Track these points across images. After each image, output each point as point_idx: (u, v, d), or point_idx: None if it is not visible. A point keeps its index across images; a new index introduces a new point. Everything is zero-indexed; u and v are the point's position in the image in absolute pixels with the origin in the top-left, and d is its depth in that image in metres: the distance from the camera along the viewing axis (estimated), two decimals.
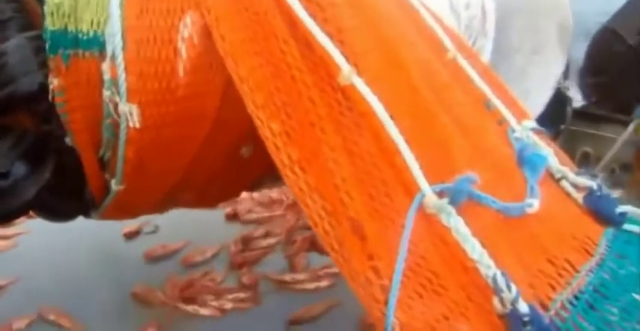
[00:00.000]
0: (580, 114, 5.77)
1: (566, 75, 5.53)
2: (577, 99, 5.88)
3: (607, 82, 4.97)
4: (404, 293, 1.30)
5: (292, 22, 1.55)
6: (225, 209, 3.76)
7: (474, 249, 1.37)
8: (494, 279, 1.35)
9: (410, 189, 1.41)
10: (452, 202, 1.43)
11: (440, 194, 1.44)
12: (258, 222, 3.71)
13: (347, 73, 1.45)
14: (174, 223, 3.44)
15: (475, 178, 1.48)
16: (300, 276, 3.06)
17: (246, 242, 3.45)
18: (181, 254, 3.35)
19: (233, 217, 3.76)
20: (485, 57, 4.08)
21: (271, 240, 3.46)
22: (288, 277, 3.10)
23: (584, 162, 4.76)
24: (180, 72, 1.72)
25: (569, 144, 5.38)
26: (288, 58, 1.50)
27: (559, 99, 5.15)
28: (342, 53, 1.51)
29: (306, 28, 1.52)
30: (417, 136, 1.52)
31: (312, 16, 1.55)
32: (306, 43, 1.52)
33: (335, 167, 1.34)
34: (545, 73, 4.35)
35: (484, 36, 4.05)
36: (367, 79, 1.50)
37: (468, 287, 1.38)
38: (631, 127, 4.29)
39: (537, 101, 4.42)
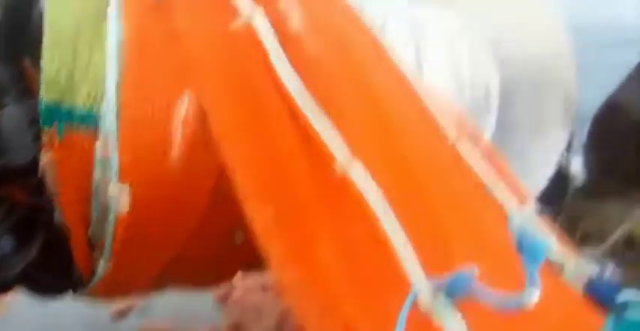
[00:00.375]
0: (583, 191, 5.79)
1: (569, 149, 5.56)
2: (579, 176, 5.91)
3: (611, 158, 4.96)
4: None
5: (291, 104, 1.53)
6: (218, 291, 3.71)
7: None
8: None
9: (406, 286, 1.37)
10: (448, 298, 1.39)
11: (436, 289, 1.40)
12: (250, 306, 3.65)
13: (343, 163, 1.41)
14: (165, 303, 3.38)
15: (475, 272, 1.44)
16: None
17: (237, 327, 3.40)
18: None
19: (224, 299, 3.70)
20: (488, 134, 4.12)
21: (263, 325, 3.40)
22: None
23: (585, 242, 4.73)
24: (175, 153, 1.70)
25: (570, 222, 5.38)
26: (285, 142, 1.47)
27: (561, 175, 5.17)
28: (341, 138, 1.48)
29: (303, 111, 1.50)
30: (416, 228, 1.48)
31: (313, 97, 1.53)
32: (305, 125, 1.50)
33: (327, 260, 1.30)
34: (547, 149, 4.35)
35: (488, 112, 4.06)
36: (365, 165, 1.46)
37: None
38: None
39: (538, 178, 4.42)
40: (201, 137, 1.68)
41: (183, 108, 1.70)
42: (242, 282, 3.79)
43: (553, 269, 1.96)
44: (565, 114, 4.35)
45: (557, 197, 4.94)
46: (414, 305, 1.35)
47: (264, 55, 1.57)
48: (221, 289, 3.66)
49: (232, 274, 2.64)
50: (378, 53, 1.94)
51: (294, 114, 1.51)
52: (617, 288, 1.97)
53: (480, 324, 1.44)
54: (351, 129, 1.54)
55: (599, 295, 1.92)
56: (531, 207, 2.10)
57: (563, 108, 4.29)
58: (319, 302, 1.28)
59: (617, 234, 3.85)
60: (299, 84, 1.54)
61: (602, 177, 4.82)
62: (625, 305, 1.93)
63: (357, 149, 1.48)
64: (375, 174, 1.46)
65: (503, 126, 4.21)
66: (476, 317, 1.44)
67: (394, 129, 1.72)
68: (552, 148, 4.36)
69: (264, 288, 3.83)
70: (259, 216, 1.35)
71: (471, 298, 1.45)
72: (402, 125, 1.80)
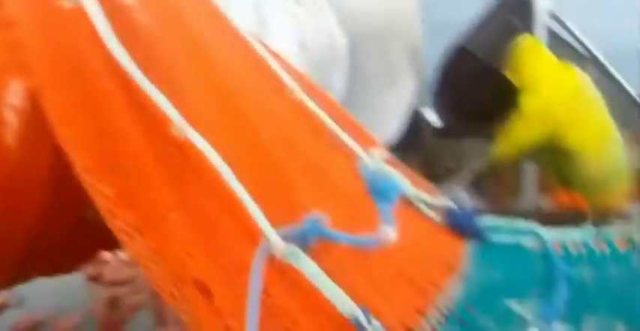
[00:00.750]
0: (439, 132, 5.96)
1: (421, 95, 5.71)
2: (433, 119, 6.08)
3: (460, 100, 5.11)
4: None
5: (121, 76, 1.49)
6: (88, 271, 3.63)
7: (329, 289, 1.36)
8: (356, 318, 1.33)
9: (255, 237, 1.39)
10: (301, 245, 1.42)
11: (288, 238, 1.43)
12: (123, 281, 3.60)
13: (178, 125, 1.41)
14: (39, 292, 3.29)
15: (323, 217, 1.48)
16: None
17: (112, 303, 3.34)
18: (50, 326, 3.20)
19: (96, 279, 3.64)
20: (338, 89, 4.17)
21: (138, 297, 3.36)
22: None
23: (446, 177, 4.89)
24: (8, 140, 1.65)
25: (430, 161, 5.55)
26: (118, 115, 1.45)
27: (416, 119, 5.31)
28: (174, 104, 1.46)
29: (135, 81, 1.47)
30: (258, 181, 1.50)
31: (142, 67, 1.50)
32: (137, 96, 1.48)
33: (174, 227, 1.30)
34: (399, 97, 4.46)
35: (337, 69, 4.12)
36: (202, 129, 1.46)
37: (327, 329, 1.36)
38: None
39: (392, 128, 4.52)
40: (35, 121, 1.64)
41: (12, 94, 1.66)
42: (111, 258, 3.75)
43: (411, 205, 2.04)
44: (412, 63, 4.46)
45: (415, 140, 5.09)
46: (269, 256, 1.38)
47: (92, 30, 1.54)
48: (91, 268, 3.61)
49: (92, 252, 2.60)
50: (215, 18, 1.95)
51: (125, 87, 1.48)
52: (475, 216, 2.07)
53: (337, 267, 1.48)
54: (186, 94, 1.53)
55: (459, 224, 2.02)
56: (381, 151, 2.17)
57: (411, 58, 4.40)
58: (171, 268, 1.28)
59: (472, 168, 4.03)
60: (128, 56, 1.51)
61: (455, 119, 4.98)
62: (484, 230, 2.03)
63: (192, 112, 1.48)
64: (213, 134, 1.47)
65: (355, 79, 4.29)
66: (330, 260, 1.48)
67: (230, 90, 1.73)
68: (404, 95, 4.47)
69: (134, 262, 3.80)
70: (99, 192, 1.33)
71: (324, 242, 1.50)
72: (238, 85, 1.82)
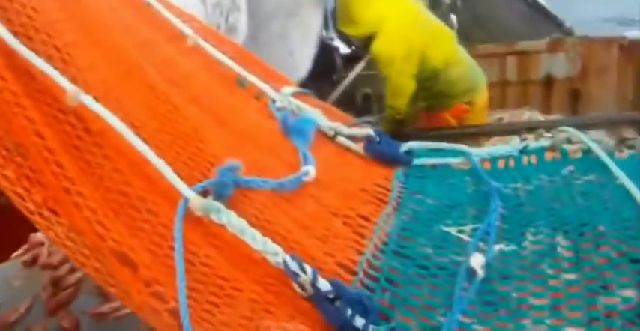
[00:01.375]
0: (352, 60, 5.95)
1: (327, 25, 5.69)
2: (343, 47, 6.05)
3: None
4: (197, 308, 1.23)
5: (6, 51, 1.38)
6: (24, 257, 3.56)
7: (256, 239, 1.31)
8: (286, 265, 1.29)
9: (171, 197, 1.32)
10: (218, 197, 1.36)
11: (204, 192, 1.37)
12: (60, 261, 3.53)
13: (72, 93, 1.30)
14: None
15: (237, 164, 1.42)
16: (116, 303, 2.94)
17: (55, 284, 3.30)
18: None
19: (33, 263, 3.56)
20: (242, 29, 4.12)
21: (78, 274, 3.31)
22: (105, 308, 3.02)
23: (366, 104, 4.87)
24: None
25: (349, 90, 5.56)
26: (6, 94, 1.33)
27: (326, 50, 5.28)
28: (65, 73, 1.34)
29: (20, 55, 1.35)
30: (165, 139, 1.43)
31: (27, 38, 1.38)
32: (25, 70, 1.37)
33: (81, 200, 1.22)
34: (305, 32, 4.44)
35: (237, 10, 4.05)
36: (98, 93, 1.36)
37: (262, 281, 1.32)
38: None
39: (302, 60, 4.50)
40: None
41: None
42: (44, 238, 3.65)
43: (330, 138, 1.99)
44: None
45: (328, 71, 5.06)
46: (189, 214, 1.32)
47: None
48: (26, 253, 3.53)
49: (16, 238, 2.51)
50: None
51: (13, 59, 1.37)
52: (397, 142, 2.04)
53: (261, 214, 1.43)
54: (76, 59, 1.42)
55: (381, 151, 1.98)
56: (291, 87, 2.11)
57: None
58: (88, 242, 1.21)
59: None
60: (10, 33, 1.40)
61: (361, 44, 4.94)
62: (410, 154, 2.00)
63: (86, 78, 1.38)
64: (110, 96, 1.39)
65: (257, 20, 4.23)
66: (252, 207, 1.44)
67: (123, 47, 1.63)
68: (310, 27, 4.43)
69: None
70: (3, 175, 1.24)
71: (242, 190, 1.45)
72: (131, 40, 1.72)
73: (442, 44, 4.02)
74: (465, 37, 5.95)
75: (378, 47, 3.82)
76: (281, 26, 4.30)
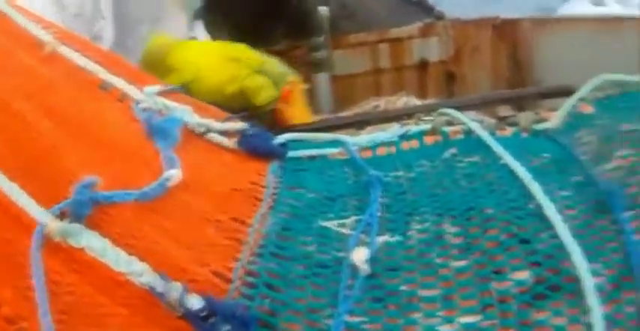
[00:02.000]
0: None
1: (193, 27, 5.63)
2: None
3: (229, 15, 5.02)
4: None
5: None
6: None
7: (119, 260, 1.21)
8: (151, 286, 1.19)
9: (27, 223, 1.21)
10: (77, 218, 1.25)
11: (62, 214, 1.26)
12: None
13: None
14: None
15: (94, 180, 1.31)
16: None
17: None
18: None
19: None
20: (107, 37, 4.04)
21: None
22: None
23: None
24: None
25: None
26: None
27: None
28: None
29: None
30: (17, 161, 1.31)
31: None
32: None
33: None
34: (169, 34, 4.36)
35: (102, 18, 3.96)
36: None
37: (129, 303, 1.21)
38: None
39: None
40: None
41: None
42: None
43: (199, 136, 1.89)
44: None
45: None
46: (49, 240, 1.21)
47: None
48: None
49: None
50: None
51: None
52: (270, 135, 1.95)
53: (125, 230, 1.33)
54: None
55: (254, 146, 1.89)
56: (157, 86, 2.00)
57: None
58: None
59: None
60: None
61: (222, 36, 4.92)
62: (285, 146, 1.92)
63: None
64: None
65: (125, 24, 4.14)
66: (116, 223, 1.33)
67: None
68: (174, 28, 4.36)
69: None
70: None
71: (104, 206, 1.33)
72: None
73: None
74: (335, 27, 5.97)
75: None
76: (147, 31, 4.23)
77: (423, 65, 6.46)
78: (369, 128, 4.17)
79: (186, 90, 4.03)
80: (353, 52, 6.16)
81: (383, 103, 5.88)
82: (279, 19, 5.53)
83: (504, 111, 5.08)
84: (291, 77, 4.49)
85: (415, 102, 5.72)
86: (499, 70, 6.53)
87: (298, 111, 4.59)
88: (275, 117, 4.28)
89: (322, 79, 5.97)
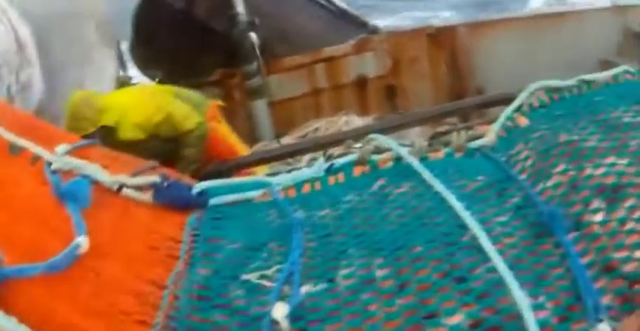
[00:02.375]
0: None
1: (124, 65, 5.55)
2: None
3: (160, 50, 4.98)
4: None
5: None
6: None
7: None
8: None
9: None
10: None
11: None
12: None
13: None
14: None
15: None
16: None
17: None
18: None
19: None
20: (37, 85, 3.96)
21: None
22: None
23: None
24: None
25: None
26: None
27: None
28: None
29: None
30: None
31: None
32: None
33: None
34: (99, 75, 4.31)
35: (29, 65, 3.87)
36: None
37: None
38: None
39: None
40: None
41: None
42: None
43: (113, 193, 1.79)
44: (104, 37, 4.27)
45: None
46: None
47: None
48: None
49: None
50: None
51: None
52: (187, 185, 1.84)
53: (34, 306, 1.25)
54: None
55: (169, 198, 1.78)
56: (69, 144, 1.90)
57: (101, 32, 4.21)
58: None
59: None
60: None
61: (153, 70, 4.85)
62: (205, 195, 1.81)
63: None
64: None
65: (50, 70, 4.04)
66: (25, 299, 1.25)
67: None
68: (105, 69, 4.29)
69: None
70: None
71: (10, 282, 1.25)
72: None
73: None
74: (269, 52, 5.91)
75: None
76: (75, 73, 4.16)
77: (361, 82, 6.43)
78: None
79: (116, 129, 4.07)
80: (289, 75, 6.10)
81: (324, 124, 5.83)
82: (209, 50, 5.47)
83: (442, 125, 5.05)
84: (210, 101, 4.70)
85: (356, 120, 5.68)
86: (439, 79, 6.53)
87: (226, 129, 4.84)
88: (208, 139, 4.49)
89: (260, 105, 5.92)
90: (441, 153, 1.84)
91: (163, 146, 4.43)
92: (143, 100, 4.42)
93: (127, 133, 4.32)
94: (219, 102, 4.91)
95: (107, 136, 4.24)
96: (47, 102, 4.08)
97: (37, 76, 3.96)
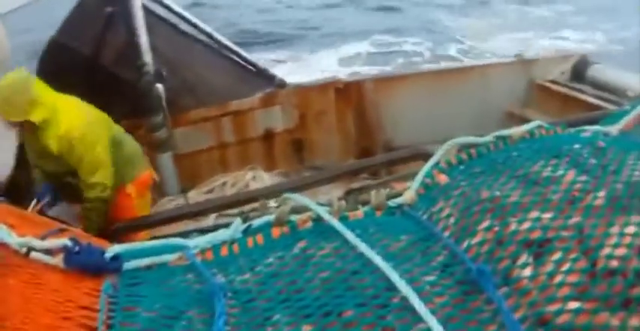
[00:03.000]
0: None
1: None
2: None
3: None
4: None
5: None
6: None
7: None
8: None
9: None
10: None
11: None
12: None
13: None
14: None
15: None
16: None
17: None
18: None
19: None
20: None
21: None
22: None
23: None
24: None
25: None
26: None
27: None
28: None
29: None
30: None
31: None
32: None
33: None
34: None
35: None
36: None
37: None
38: None
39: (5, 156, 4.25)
40: None
41: None
42: None
43: (23, 257, 1.69)
44: None
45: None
46: None
47: None
48: None
49: None
50: None
51: None
52: (99, 249, 1.76)
53: None
54: None
55: (83, 262, 1.70)
56: None
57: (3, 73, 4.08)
58: None
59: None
60: None
61: None
62: (118, 259, 1.73)
63: None
64: None
65: None
66: None
67: None
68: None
69: None
70: None
71: None
72: None
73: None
74: (175, 104, 5.84)
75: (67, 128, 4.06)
76: None
77: (268, 135, 6.42)
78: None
79: (39, 129, 3.86)
80: (195, 128, 6.04)
81: (230, 179, 5.79)
82: (115, 99, 5.36)
83: (358, 181, 5.07)
84: (145, 168, 4.60)
85: (263, 175, 5.66)
86: (347, 133, 6.58)
87: (145, 205, 4.68)
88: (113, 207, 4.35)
89: (165, 158, 5.83)
90: (360, 213, 1.82)
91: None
92: (79, 114, 4.19)
93: (47, 140, 4.08)
94: (154, 175, 4.77)
95: (30, 131, 4.10)
96: None
97: None
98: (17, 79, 3.99)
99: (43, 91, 4.06)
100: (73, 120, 4.09)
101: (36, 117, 3.97)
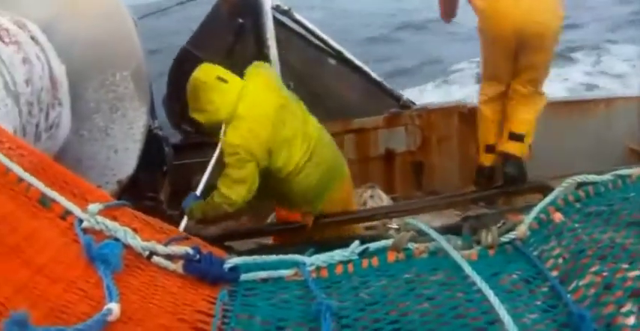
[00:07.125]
0: (182, 148, 5.85)
1: (153, 115, 5.60)
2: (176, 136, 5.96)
3: (183, 106, 5.01)
4: None
5: None
6: None
7: None
8: None
9: None
10: None
11: None
12: None
13: None
14: None
15: (23, 316, 1.22)
16: None
17: None
18: None
19: None
20: (65, 125, 3.97)
21: None
22: None
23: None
24: None
25: (181, 180, 5.42)
26: None
27: (155, 141, 5.15)
28: None
29: None
30: None
31: None
32: None
33: None
34: (128, 126, 4.31)
35: (59, 104, 3.91)
36: None
37: None
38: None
39: (127, 156, 4.39)
40: None
41: None
42: None
43: (144, 260, 1.81)
44: (139, 86, 4.32)
45: (158, 163, 4.94)
46: None
47: None
48: None
49: None
50: None
51: None
52: (219, 259, 1.87)
53: None
54: None
55: (202, 270, 1.81)
56: (100, 204, 1.91)
57: (136, 82, 4.26)
58: None
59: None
60: None
61: (187, 123, 4.86)
62: (236, 270, 1.84)
63: None
64: None
65: (82, 112, 4.09)
66: None
67: None
68: (135, 121, 4.31)
69: None
70: None
71: None
72: None
73: (288, 148, 4.40)
74: None
75: (226, 136, 4.26)
76: (104, 121, 4.18)
77: (389, 155, 6.47)
78: None
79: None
80: None
81: None
82: None
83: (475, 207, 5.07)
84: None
85: (381, 194, 5.70)
86: (468, 159, 6.55)
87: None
88: None
89: None
90: (474, 254, 1.84)
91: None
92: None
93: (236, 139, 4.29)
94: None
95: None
96: (70, 144, 4.10)
97: (66, 116, 3.97)
98: (210, 74, 4.41)
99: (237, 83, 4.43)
100: (237, 128, 4.35)
101: (204, 118, 4.42)
